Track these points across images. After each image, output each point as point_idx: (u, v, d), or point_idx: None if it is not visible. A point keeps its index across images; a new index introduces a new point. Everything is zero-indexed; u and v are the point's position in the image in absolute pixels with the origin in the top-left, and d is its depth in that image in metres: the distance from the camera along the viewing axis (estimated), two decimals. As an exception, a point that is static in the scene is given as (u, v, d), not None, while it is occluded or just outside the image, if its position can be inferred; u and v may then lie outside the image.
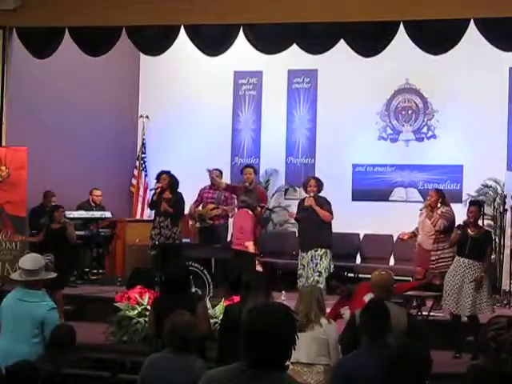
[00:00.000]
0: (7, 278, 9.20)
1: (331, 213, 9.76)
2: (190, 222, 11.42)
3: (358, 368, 4.46)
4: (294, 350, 2.95)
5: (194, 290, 8.37)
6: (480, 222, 9.14)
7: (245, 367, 2.92)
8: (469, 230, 8.54)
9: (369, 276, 11.20)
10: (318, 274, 9.51)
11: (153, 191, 10.92)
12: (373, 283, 6.09)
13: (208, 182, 11.36)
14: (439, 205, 9.82)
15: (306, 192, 9.96)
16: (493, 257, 9.94)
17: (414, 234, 10.06)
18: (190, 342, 4.91)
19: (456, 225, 9.14)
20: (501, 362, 3.82)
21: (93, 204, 12.15)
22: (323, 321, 6.05)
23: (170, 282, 6.42)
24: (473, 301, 8.36)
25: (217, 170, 11.45)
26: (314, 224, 9.68)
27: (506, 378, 3.81)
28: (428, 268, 9.75)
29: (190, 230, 11.43)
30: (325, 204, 9.77)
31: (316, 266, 9.52)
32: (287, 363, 5.65)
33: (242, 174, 10.84)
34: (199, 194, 11.41)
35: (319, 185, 9.90)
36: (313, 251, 9.58)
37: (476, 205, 8.86)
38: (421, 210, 9.93)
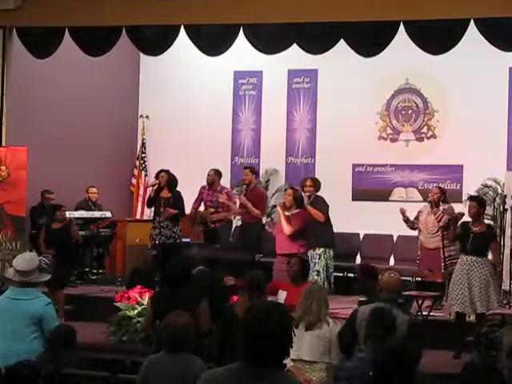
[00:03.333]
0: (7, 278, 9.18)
1: (324, 214, 9.74)
2: (195, 224, 11.42)
3: (359, 371, 4.48)
4: (292, 347, 2.96)
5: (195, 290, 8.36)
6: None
7: (244, 367, 2.92)
8: (471, 226, 8.56)
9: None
10: (316, 272, 9.51)
11: (150, 188, 10.90)
12: (382, 284, 6.11)
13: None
14: (440, 203, 9.89)
15: (304, 192, 9.99)
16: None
17: (408, 220, 10.03)
18: (186, 342, 4.91)
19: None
20: (491, 358, 3.83)
21: (90, 202, 12.13)
22: (330, 320, 6.10)
23: (170, 277, 6.42)
24: (481, 298, 8.35)
25: (215, 170, 11.44)
26: (311, 223, 9.68)
27: (497, 374, 3.82)
28: (435, 268, 9.76)
29: (194, 232, 11.42)
30: (317, 204, 9.74)
31: (314, 265, 9.52)
32: (289, 360, 5.72)
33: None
34: (199, 192, 11.42)
35: (315, 184, 9.93)
36: (311, 250, 9.59)
37: (474, 200, 8.86)
38: (428, 204, 9.97)
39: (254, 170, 11.24)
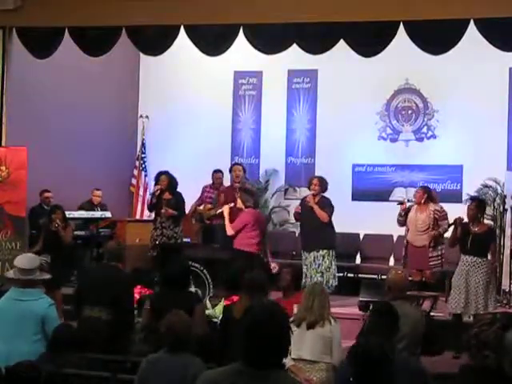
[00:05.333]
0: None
1: (329, 215, 9.80)
2: (193, 221, 11.45)
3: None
4: (290, 347, 2.97)
5: (194, 289, 8.38)
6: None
7: (243, 367, 2.92)
8: (470, 227, 8.56)
9: (368, 276, 11.30)
10: (320, 274, 9.54)
11: (152, 194, 10.87)
12: (388, 282, 6.13)
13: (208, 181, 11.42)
14: (423, 201, 9.80)
15: (310, 191, 10.03)
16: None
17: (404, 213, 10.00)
18: (187, 342, 4.91)
19: (449, 222, 9.17)
20: (483, 358, 3.82)
21: (94, 204, 12.14)
22: (331, 319, 6.10)
23: (170, 279, 6.43)
24: (479, 299, 8.35)
25: (219, 170, 11.42)
26: (316, 224, 9.73)
27: (491, 374, 3.81)
28: (424, 268, 9.75)
29: (193, 230, 11.43)
30: (326, 206, 9.82)
31: (318, 266, 9.56)
32: (290, 360, 5.72)
33: (231, 171, 10.89)
34: (202, 192, 11.42)
35: (322, 184, 9.95)
36: (315, 252, 9.62)
37: (473, 201, 8.86)
38: (399, 204, 9.98)
39: (244, 167, 11.21)
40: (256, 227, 9.68)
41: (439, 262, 9.62)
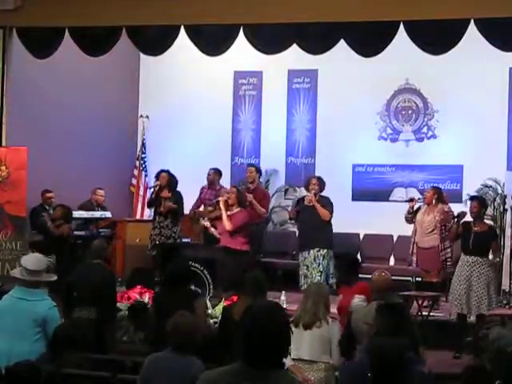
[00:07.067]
0: (7, 278, 9.19)
1: (331, 213, 9.83)
2: (195, 224, 11.45)
3: (361, 371, 4.48)
4: (290, 347, 2.97)
5: (193, 289, 8.38)
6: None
7: (243, 367, 2.92)
8: (472, 226, 8.56)
9: (368, 276, 11.28)
10: (319, 274, 9.56)
11: (152, 189, 10.94)
12: (371, 284, 6.14)
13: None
14: (434, 201, 9.89)
15: (308, 191, 10.02)
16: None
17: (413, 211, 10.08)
18: (191, 343, 4.92)
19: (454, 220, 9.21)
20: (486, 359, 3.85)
21: (95, 203, 12.14)
22: (329, 319, 6.10)
23: (172, 279, 6.45)
24: (481, 299, 8.35)
25: (215, 169, 11.44)
26: (317, 223, 9.75)
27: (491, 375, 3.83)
28: (431, 268, 9.77)
29: (194, 231, 11.44)
30: (327, 205, 9.85)
31: (318, 266, 9.57)
32: (289, 360, 5.72)
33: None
34: (200, 193, 11.44)
35: (321, 184, 9.98)
36: (315, 251, 9.64)
37: (476, 200, 8.86)
38: (409, 201, 10.08)
39: (258, 169, 11.28)
40: (248, 228, 9.95)
41: (452, 262, 9.64)
